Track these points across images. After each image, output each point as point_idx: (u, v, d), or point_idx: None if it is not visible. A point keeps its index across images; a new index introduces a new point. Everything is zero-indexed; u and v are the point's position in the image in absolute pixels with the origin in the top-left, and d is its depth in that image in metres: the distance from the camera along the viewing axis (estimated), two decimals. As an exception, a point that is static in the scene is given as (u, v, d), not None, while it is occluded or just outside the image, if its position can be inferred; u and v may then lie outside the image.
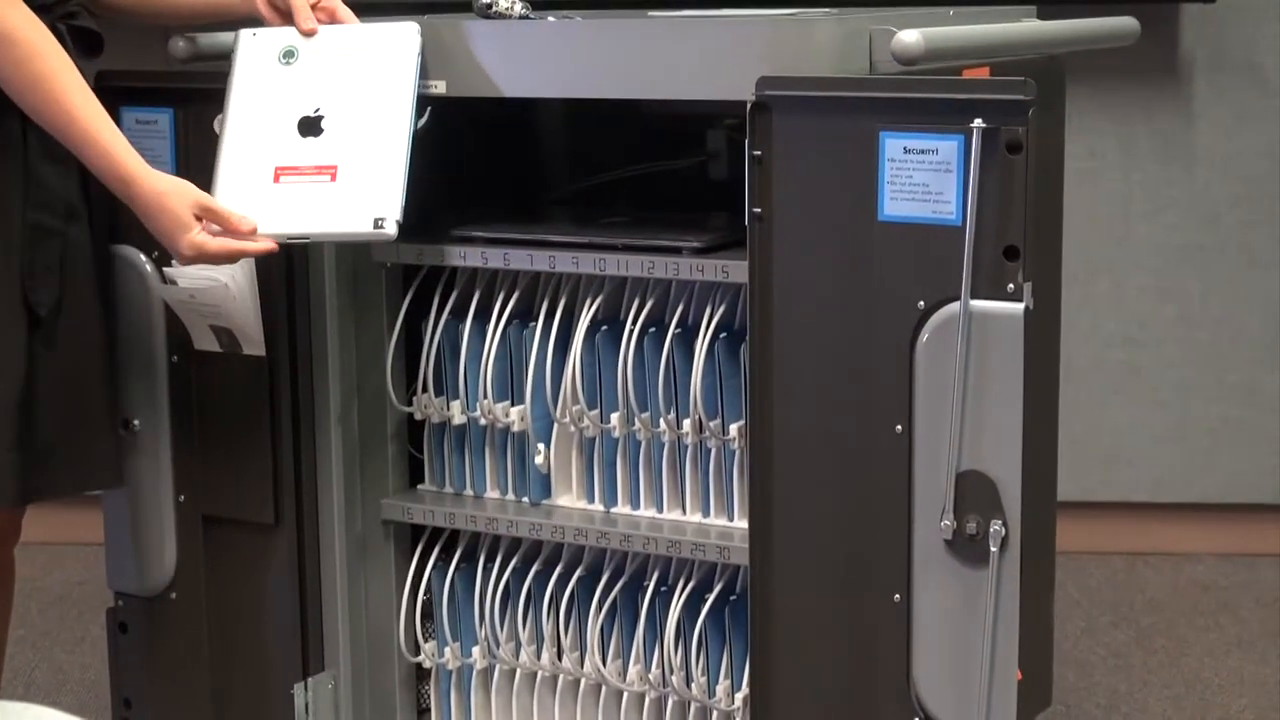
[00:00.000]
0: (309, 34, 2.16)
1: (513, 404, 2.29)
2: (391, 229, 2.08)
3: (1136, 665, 3.12)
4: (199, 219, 2.04)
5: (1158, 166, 3.55)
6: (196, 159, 2.21)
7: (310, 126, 2.13)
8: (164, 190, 2.04)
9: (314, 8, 2.16)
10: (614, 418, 2.24)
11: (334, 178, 2.09)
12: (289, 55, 2.16)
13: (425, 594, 2.39)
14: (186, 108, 2.25)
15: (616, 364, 2.22)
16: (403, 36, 2.14)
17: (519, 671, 2.36)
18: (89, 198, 2.19)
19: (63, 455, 2.18)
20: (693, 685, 2.23)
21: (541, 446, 2.29)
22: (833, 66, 2.00)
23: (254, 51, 2.17)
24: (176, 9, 2.28)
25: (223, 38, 2.27)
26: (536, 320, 2.27)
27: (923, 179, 1.90)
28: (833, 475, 1.99)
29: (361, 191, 2.09)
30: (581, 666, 2.31)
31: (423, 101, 2.15)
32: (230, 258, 2.07)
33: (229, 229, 2.05)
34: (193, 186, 2.05)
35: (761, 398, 2.02)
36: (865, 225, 1.94)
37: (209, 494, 2.34)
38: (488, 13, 2.18)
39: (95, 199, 2.20)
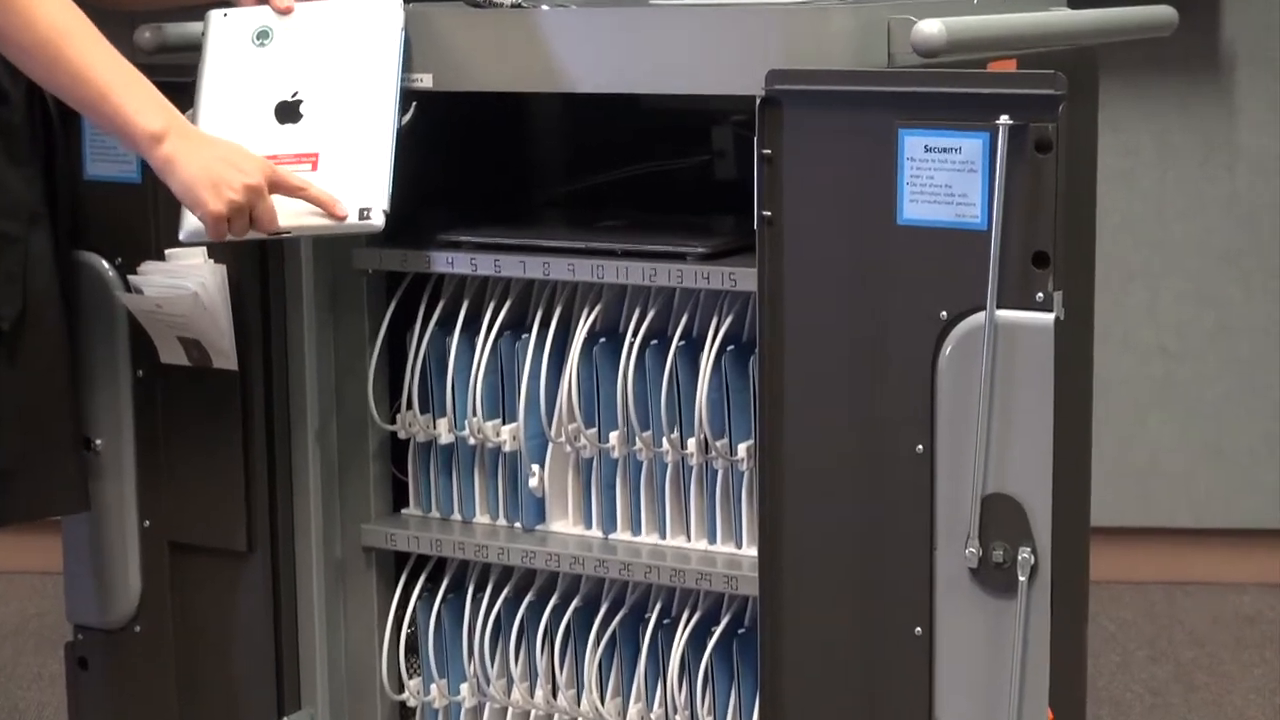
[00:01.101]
0: (284, 12, 2.17)
1: (504, 422, 2.30)
2: (379, 220, 2.09)
3: (1176, 704, 3.12)
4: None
5: (1196, 165, 3.56)
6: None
7: (288, 112, 2.13)
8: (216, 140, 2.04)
9: None
10: (613, 437, 2.24)
11: (315, 166, 2.10)
12: (263, 36, 2.16)
13: (410, 627, 2.39)
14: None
15: (616, 379, 2.22)
16: (384, 10, 2.15)
17: (511, 711, 2.36)
18: (52, 200, 2.20)
19: (23, 478, 2.18)
20: (698, 725, 2.23)
21: (535, 468, 2.29)
22: (848, 59, 2.00)
23: (225, 33, 2.18)
24: None
25: (191, 28, 2.27)
26: (530, 331, 2.27)
27: (945, 180, 1.91)
28: (848, 499, 2.00)
29: (345, 180, 2.09)
30: (578, 705, 2.31)
31: (408, 96, 2.15)
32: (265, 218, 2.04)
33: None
34: None
35: (772, 415, 2.02)
36: (883, 229, 1.94)
37: (176, 519, 2.34)
38: (478, 1, 2.18)
39: (59, 201, 2.20)
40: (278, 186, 2.04)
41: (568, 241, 2.24)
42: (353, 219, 2.08)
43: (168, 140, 2.00)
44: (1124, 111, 3.51)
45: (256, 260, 2.25)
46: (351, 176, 2.09)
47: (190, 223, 2.07)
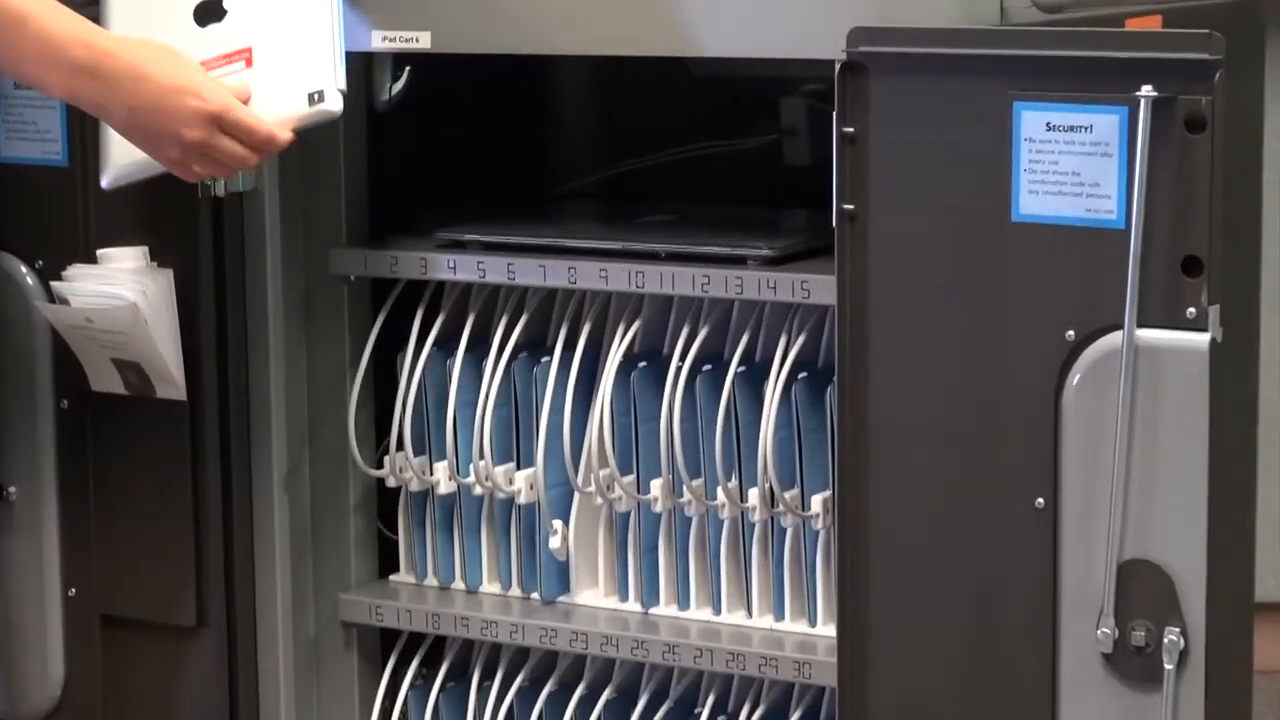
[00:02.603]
0: None
1: (518, 467, 2.30)
2: (334, 103, 2.10)
3: (1361, 824, 3.11)
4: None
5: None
6: (94, 130, 2.21)
7: (209, 11, 2.16)
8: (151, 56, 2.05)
9: None
10: (655, 486, 2.24)
11: (249, 62, 2.13)
12: None
13: (399, 722, 2.40)
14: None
15: (659, 413, 2.22)
16: None
17: (525, 828, 2.36)
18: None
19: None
20: None
21: (557, 524, 2.29)
22: (952, 15, 2.00)
23: None
24: None
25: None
26: (551, 355, 2.28)
27: (1072, 165, 1.91)
28: (951, 565, 1.99)
29: (287, 68, 2.12)
30: (609, 822, 2.31)
31: (399, 61, 2.16)
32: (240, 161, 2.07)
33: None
34: None
35: (854, 460, 2.02)
36: (995, 228, 1.94)
37: (109, 586, 2.34)
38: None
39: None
40: (233, 129, 2.05)
41: (599, 241, 2.24)
42: (303, 106, 2.09)
43: (79, 87, 2.01)
44: (1298, 82, 3.50)
45: (210, 264, 2.25)
46: (293, 63, 2.12)
47: (120, 155, 2.09)
